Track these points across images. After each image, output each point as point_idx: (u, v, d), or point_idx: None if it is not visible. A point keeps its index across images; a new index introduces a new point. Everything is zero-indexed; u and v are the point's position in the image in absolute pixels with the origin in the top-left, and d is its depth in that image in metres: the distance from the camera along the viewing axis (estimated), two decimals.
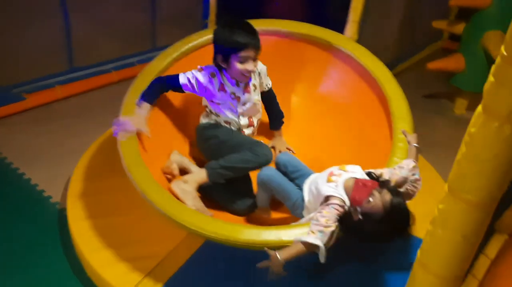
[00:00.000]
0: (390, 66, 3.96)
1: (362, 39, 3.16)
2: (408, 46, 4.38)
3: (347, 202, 1.65)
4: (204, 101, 2.20)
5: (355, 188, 1.65)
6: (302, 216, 1.87)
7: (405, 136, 1.91)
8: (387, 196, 1.56)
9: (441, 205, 0.93)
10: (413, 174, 1.73)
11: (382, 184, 1.63)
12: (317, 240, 1.55)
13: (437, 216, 0.95)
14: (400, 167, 1.76)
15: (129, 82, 3.33)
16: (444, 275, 0.97)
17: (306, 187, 1.89)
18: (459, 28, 3.53)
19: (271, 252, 1.55)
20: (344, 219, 1.62)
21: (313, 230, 1.58)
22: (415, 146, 1.84)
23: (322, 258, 1.56)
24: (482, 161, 0.82)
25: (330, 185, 1.73)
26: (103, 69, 3.56)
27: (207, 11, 3.77)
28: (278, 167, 2.04)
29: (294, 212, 1.91)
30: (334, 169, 1.84)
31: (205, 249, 1.98)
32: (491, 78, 0.79)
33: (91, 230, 2.04)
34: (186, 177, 2.06)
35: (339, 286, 1.92)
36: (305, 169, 2.01)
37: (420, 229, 2.20)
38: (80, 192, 2.24)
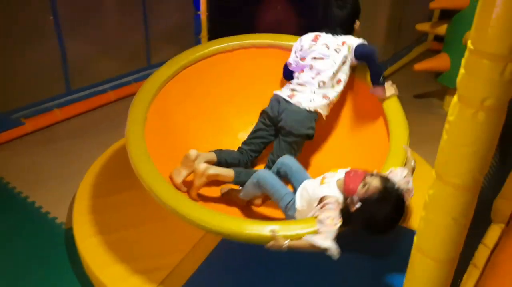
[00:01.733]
0: None
1: None
2: (396, 49, 4.49)
3: (341, 199, 1.74)
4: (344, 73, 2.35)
5: (347, 179, 1.74)
6: (293, 219, 1.92)
7: (407, 151, 1.99)
8: (380, 179, 1.65)
9: (431, 191, 1.00)
10: (407, 182, 1.77)
11: (372, 173, 1.72)
12: (327, 241, 1.61)
13: (428, 201, 1.02)
14: (392, 173, 1.81)
15: (126, 101, 3.41)
16: (440, 258, 1.03)
17: (298, 192, 1.95)
18: (442, 29, 3.64)
19: (279, 237, 1.64)
20: (343, 214, 1.69)
21: (321, 231, 1.64)
22: (413, 164, 1.92)
23: (334, 256, 1.62)
24: (462, 146, 0.89)
25: (323, 187, 1.81)
26: (100, 89, 3.63)
27: (199, 27, 3.88)
28: (278, 168, 2.10)
29: (286, 213, 1.97)
30: (327, 173, 1.91)
31: (213, 259, 2.03)
32: (462, 70, 0.87)
33: (99, 246, 2.07)
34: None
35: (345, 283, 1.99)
36: (303, 175, 2.06)
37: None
38: (85, 210, 2.28)
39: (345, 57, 2.29)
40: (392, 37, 4.31)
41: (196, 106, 2.51)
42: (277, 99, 2.32)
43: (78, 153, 3.02)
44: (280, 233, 1.65)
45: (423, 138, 3.13)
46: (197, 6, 3.88)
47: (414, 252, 1.08)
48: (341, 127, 2.54)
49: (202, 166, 2.12)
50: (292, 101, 2.27)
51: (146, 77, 2.44)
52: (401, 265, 1.96)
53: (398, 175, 1.77)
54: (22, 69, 3.19)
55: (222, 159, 2.27)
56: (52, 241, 2.32)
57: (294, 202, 1.92)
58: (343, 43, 2.31)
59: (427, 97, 4.03)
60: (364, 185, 1.65)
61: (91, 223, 2.20)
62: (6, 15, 3.02)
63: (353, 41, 2.31)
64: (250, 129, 2.41)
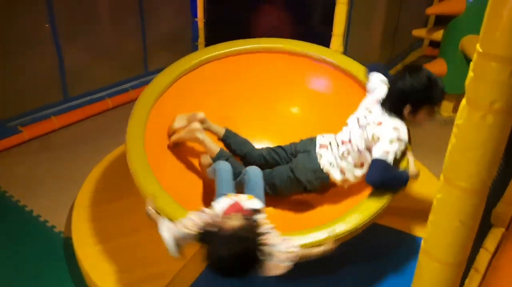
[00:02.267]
0: None
1: (348, 52, 3.28)
2: (392, 55, 4.52)
3: (217, 217, 1.64)
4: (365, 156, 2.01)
5: (232, 202, 1.70)
6: None
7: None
8: (243, 223, 1.52)
9: (439, 195, 1.00)
10: (284, 259, 1.56)
11: (249, 219, 1.59)
12: (165, 231, 1.62)
13: (436, 205, 1.02)
14: (284, 240, 1.61)
15: (124, 108, 3.40)
16: (447, 261, 1.03)
17: None
18: (438, 35, 3.67)
19: (151, 201, 1.75)
20: (205, 228, 1.60)
21: (175, 222, 1.64)
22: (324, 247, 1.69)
23: (169, 252, 1.64)
24: (471, 149, 0.90)
25: (226, 198, 1.76)
26: (98, 96, 3.62)
27: (197, 34, 3.89)
28: (243, 174, 2.04)
29: None
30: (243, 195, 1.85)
31: None
32: (470, 73, 0.87)
33: (98, 255, 2.06)
34: None
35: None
36: (256, 191, 1.94)
37: (418, 227, 2.28)
38: (84, 219, 2.27)
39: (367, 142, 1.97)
40: (387, 43, 4.34)
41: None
42: (312, 140, 2.21)
43: (76, 161, 3.00)
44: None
45: (419, 142, 3.13)
46: (194, 13, 3.90)
47: (421, 255, 1.08)
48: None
49: (196, 125, 2.19)
50: (318, 150, 2.14)
51: (143, 84, 2.45)
52: (401, 270, 2.01)
53: (284, 246, 1.58)
54: (19, 76, 3.17)
55: (227, 142, 2.28)
56: (50, 250, 2.30)
57: None
58: (379, 123, 1.95)
59: None
60: (228, 217, 1.57)
61: (90, 231, 2.19)
62: (3, 22, 3.01)
63: (383, 136, 1.90)
64: (251, 135, 2.39)
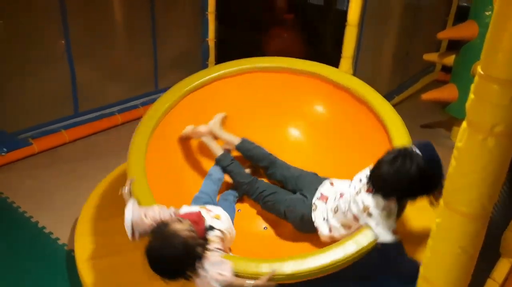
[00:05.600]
0: (387, 98, 4.12)
1: (357, 74, 3.28)
2: (403, 79, 4.51)
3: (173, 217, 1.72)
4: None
5: (195, 212, 1.79)
6: None
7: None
8: (185, 231, 1.56)
9: (438, 219, 0.98)
10: (216, 280, 1.55)
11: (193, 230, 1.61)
12: (128, 215, 1.78)
13: (435, 230, 0.99)
14: (223, 264, 1.59)
15: (133, 124, 3.42)
16: None
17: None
18: (450, 59, 3.66)
19: None
20: (158, 224, 1.69)
21: (140, 210, 1.78)
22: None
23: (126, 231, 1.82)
24: (471, 173, 0.88)
25: (195, 207, 1.90)
26: (108, 112, 3.67)
27: (207, 53, 3.93)
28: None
29: None
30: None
31: None
32: (471, 95, 0.86)
33: (100, 270, 2.04)
34: None
35: None
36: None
37: (417, 251, 2.21)
38: (87, 233, 2.26)
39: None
40: (399, 67, 4.34)
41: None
42: (314, 181, 2.10)
43: (83, 175, 3.02)
44: None
45: None
46: (205, 34, 3.95)
47: (420, 282, 1.05)
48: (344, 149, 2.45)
49: (212, 121, 2.32)
50: (315, 200, 2.00)
51: (153, 101, 2.48)
52: None
53: (219, 267, 1.57)
54: (32, 90, 3.24)
55: (244, 148, 2.29)
56: (53, 262, 2.30)
57: None
58: (365, 209, 1.72)
59: (434, 127, 4.01)
60: (178, 219, 1.61)
61: (93, 245, 2.18)
62: (19, 37, 3.09)
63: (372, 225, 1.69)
64: None
